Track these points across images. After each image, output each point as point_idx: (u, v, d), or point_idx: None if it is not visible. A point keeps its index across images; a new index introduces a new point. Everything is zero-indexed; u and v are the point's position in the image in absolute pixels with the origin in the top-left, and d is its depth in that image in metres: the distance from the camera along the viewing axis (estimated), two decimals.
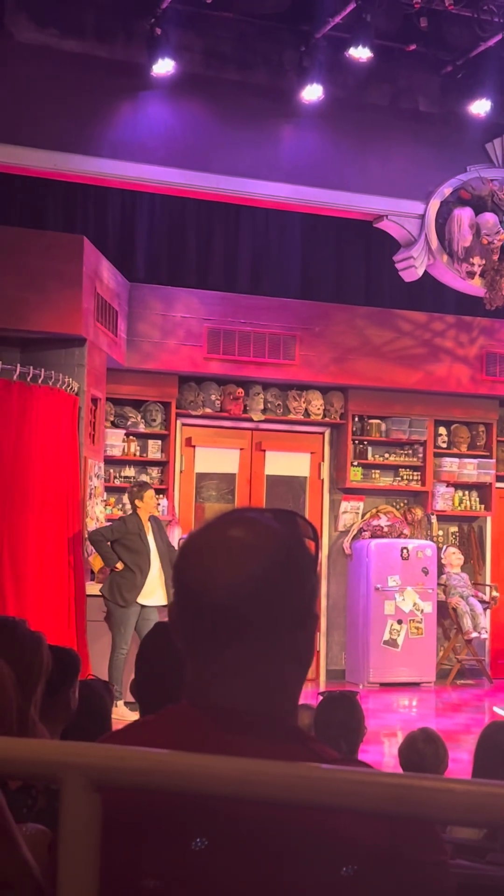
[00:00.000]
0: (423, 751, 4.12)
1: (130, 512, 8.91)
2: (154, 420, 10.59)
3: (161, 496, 10.27)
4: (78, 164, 8.45)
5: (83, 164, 8.46)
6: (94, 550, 8.73)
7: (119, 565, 8.51)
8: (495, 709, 8.75)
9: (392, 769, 5.31)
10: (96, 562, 8.82)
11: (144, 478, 10.48)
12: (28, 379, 8.26)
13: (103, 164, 8.50)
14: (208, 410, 10.77)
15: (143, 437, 10.66)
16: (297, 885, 1.21)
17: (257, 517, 1.37)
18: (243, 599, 1.30)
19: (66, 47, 8.34)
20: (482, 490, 11.63)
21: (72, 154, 8.37)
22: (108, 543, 8.56)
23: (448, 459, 11.39)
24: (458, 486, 11.53)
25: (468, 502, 11.57)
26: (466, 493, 11.59)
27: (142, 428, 10.57)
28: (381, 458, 11.33)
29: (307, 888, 1.21)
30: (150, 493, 8.87)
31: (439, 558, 11.04)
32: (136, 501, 8.75)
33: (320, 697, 4.46)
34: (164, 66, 8.32)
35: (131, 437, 10.57)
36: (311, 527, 1.40)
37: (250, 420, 10.92)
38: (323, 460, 11.32)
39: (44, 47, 8.27)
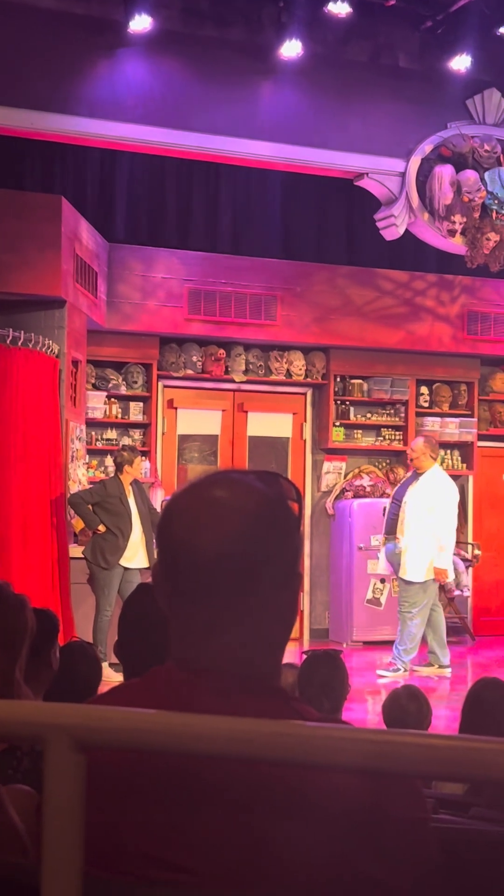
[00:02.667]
0: (406, 707, 4.16)
1: (112, 474, 8.91)
2: (135, 382, 10.56)
3: (143, 458, 10.26)
4: (55, 123, 8.35)
5: (60, 123, 8.36)
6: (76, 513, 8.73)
7: (101, 528, 8.51)
8: (379, 672, 8.78)
9: (376, 726, 5.36)
10: (79, 524, 8.83)
11: (127, 440, 10.46)
12: (7, 341, 8.22)
13: (81, 123, 8.40)
14: (190, 372, 10.75)
15: (125, 399, 10.64)
16: (278, 841, 1.22)
17: (241, 478, 1.37)
18: (227, 558, 1.30)
19: (42, 4, 8.20)
20: (464, 449, 11.66)
21: (49, 113, 8.27)
22: (89, 506, 8.56)
23: (430, 419, 11.41)
24: (440, 445, 11.55)
25: (450, 461, 11.61)
26: (448, 452, 11.62)
27: (123, 390, 10.54)
28: (364, 418, 11.34)
29: (289, 844, 1.22)
30: (139, 459, 8.87)
31: None
32: (126, 467, 8.69)
33: (304, 656, 4.49)
34: (140, 23, 8.20)
35: (113, 400, 10.54)
36: (294, 488, 1.40)
37: (232, 381, 10.90)
38: (305, 421, 11.32)
39: (19, 4, 8.14)
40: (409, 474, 9.25)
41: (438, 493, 8.76)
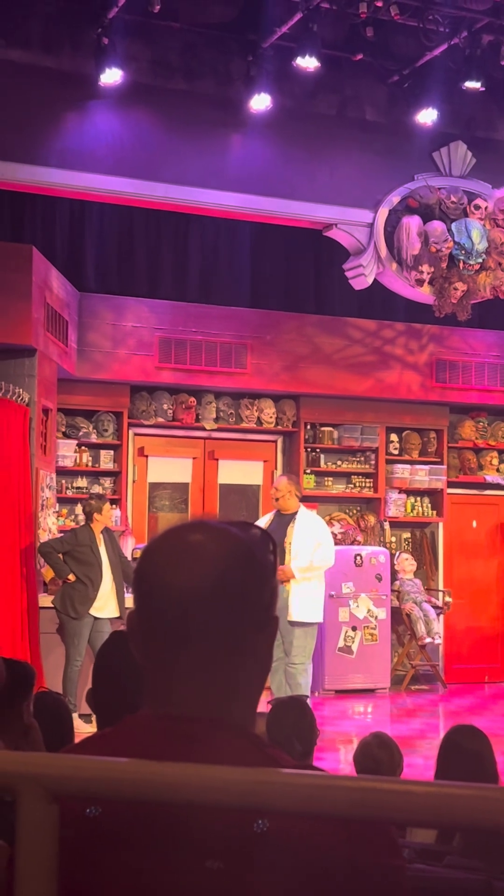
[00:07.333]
0: (378, 756, 4.12)
1: (83, 523, 8.86)
2: (106, 430, 10.54)
3: (114, 506, 10.21)
4: (26, 174, 8.39)
5: (31, 174, 8.41)
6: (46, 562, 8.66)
7: (71, 577, 8.46)
8: None
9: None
10: (49, 573, 8.76)
11: (97, 488, 10.41)
12: None
13: (51, 174, 8.45)
14: (160, 420, 10.75)
15: (96, 448, 10.61)
16: (253, 890, 1.20)
17: (217, 524, 1.39)
18: (204, 600, 1.30)
19: (11, 57, 8.29)
20: (434, 496, 11.70)
21: (20, 164, 8.32)
22: (60, 555, 8.50)
23: (400, 466, 11.45)
24: (410, 492, 11.59)
25: (420, 508, 11.64)
26: (418, 499, 11.65)
27: (94, 438, 10.52)
28: (334, 466, 11.36)
29: (264, 892, 1.20)
30: (108, 506, 8.83)
31: (392, 564, 11.08)
32: (95, 514, 8.66)
33: (269, 706, 4.45)
34: (111, 76, 8.30)
35: (83, 448, 10.51)
36: (269, 537, 1.41)
37: (203, 429, 10.91)
38: (276, 468, 11.33)
39: None
40: (270, 516, 8.65)
41: (320, 529, 8.59)
